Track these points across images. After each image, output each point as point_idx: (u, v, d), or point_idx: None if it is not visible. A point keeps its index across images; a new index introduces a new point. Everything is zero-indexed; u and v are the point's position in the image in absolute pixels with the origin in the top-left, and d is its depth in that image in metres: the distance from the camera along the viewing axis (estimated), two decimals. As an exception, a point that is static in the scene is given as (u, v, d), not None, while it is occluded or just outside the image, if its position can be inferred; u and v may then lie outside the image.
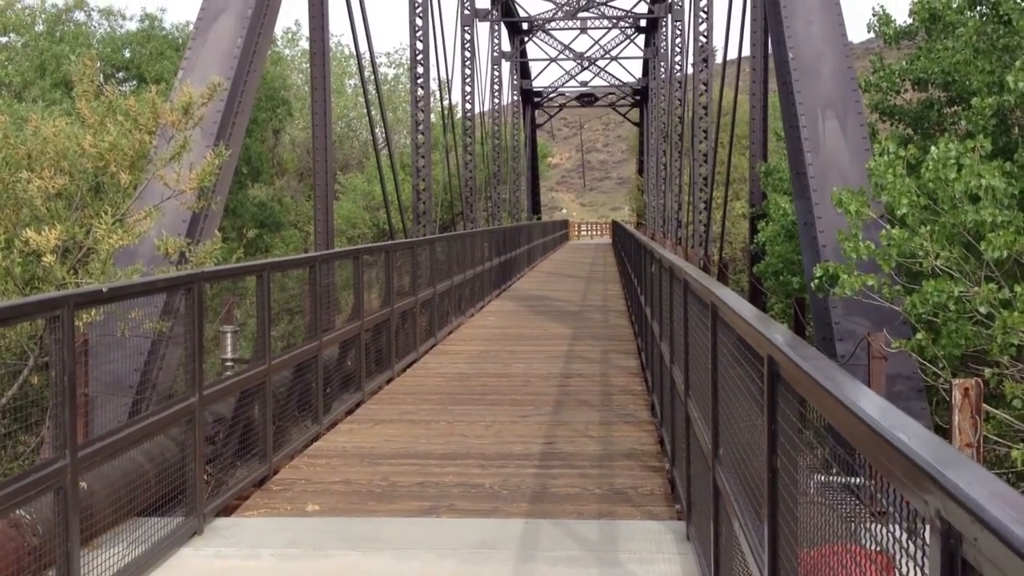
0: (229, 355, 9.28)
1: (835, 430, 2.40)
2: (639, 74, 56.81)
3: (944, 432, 8.79)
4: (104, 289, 5.50)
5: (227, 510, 6.80)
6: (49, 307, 4.88)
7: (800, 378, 2.80)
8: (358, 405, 10.48)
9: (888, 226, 9.21)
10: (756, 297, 19.70)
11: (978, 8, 12.35)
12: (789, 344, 3.15)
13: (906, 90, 13.67)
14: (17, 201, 7.58)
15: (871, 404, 2.19)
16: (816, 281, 9.61)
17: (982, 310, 8.34)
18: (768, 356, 3.31)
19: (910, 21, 13.51)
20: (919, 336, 8.74)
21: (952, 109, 13.11)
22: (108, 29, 33.73)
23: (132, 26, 33.40)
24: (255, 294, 8.02)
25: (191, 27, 24.53)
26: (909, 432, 1.89)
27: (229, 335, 9.42)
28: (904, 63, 13.29)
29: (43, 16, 32.70)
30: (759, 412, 3.55)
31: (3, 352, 7.73)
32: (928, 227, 8.94)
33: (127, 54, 31.83)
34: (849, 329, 10.06)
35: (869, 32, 14.64)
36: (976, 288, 8.52)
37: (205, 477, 6.59)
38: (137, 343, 7.99)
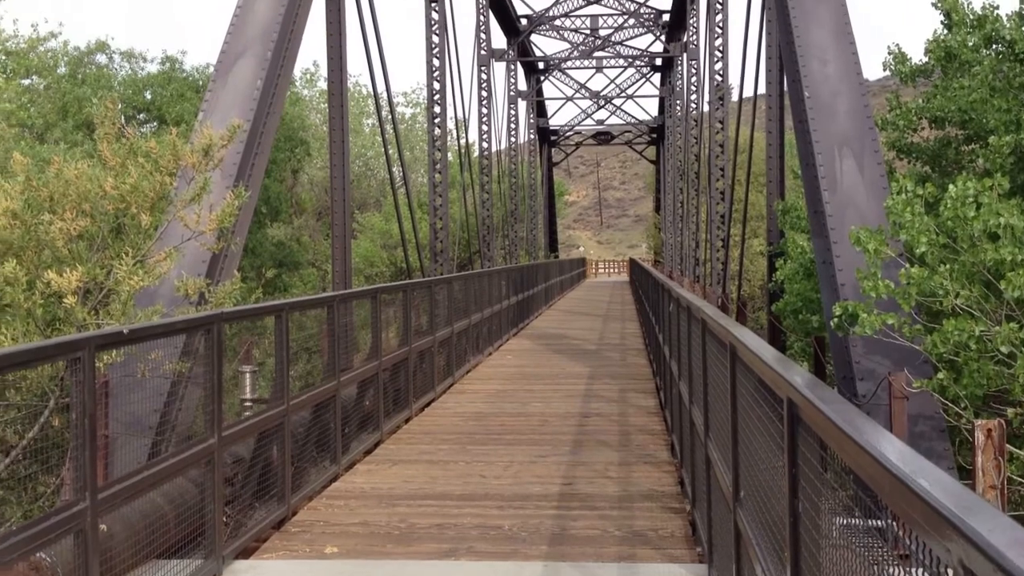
0: (248, 395, 9.30)
1: (857, 473, 2.39)
2: (655, 112, 57.06)
3: (967, 473, 8.71)
4: (125, 331, 5.53)
5: (246, 552, 6.78)
6: (70, 349, 4.91)
7: (820, 422, 2.79)
8: (376, 445, 10.46)
9: (907, 264, 9.19)
10: (775, 336, 19.61)
11: (994, 47, 12.37)
12: (809, 387, 3.14)
13: (923, 128, 13.67)
14: (39, 243, 7.65)
15: (892, 449, 2.18)
16: (835, 320, 9.58)
17: (1004, 350, 8.29)
18: (788, 398, 3.30)
19: (925, 59, 13.54)
20: (940, 376, 8.68)
21: (970, 147, 13.10)
22: (129, 71, 34.17)
23: (153, 68, 33.81)
24: (274, 334, 8.05)
25: (211, 69, 24.81)
26: (931, 478, 1.88)
27: (248, 375, 9.46)
28: (920, 101, 13.30)
29: (65, 59, 33.15)
30: (780, 454, 3.53)
31: (24, 393, 7.77)
32: (947, 266, 8.91)
33: (148, 96, 32.21)
34: (869, 368, 10.01)
35: (885, 70, 14.68)
36: (997, 327, 8.47)
37: (224, 519, 6.58)
38: (157, 384, 8.03)
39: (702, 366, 6.82)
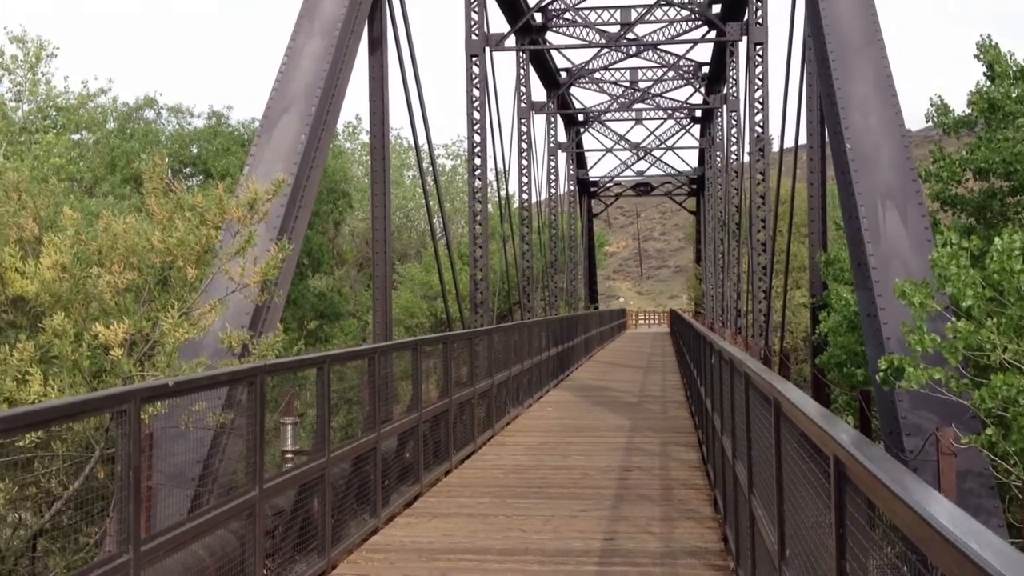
0: (289, 447, 9.32)
1: (905, 533, 2.36)
2: (695, 163, 57.12)
3: (1018, 531, 8.52)
4: (170, 383, 5.59)
5: (285, 605, 6.76)
6: (117, 402, 4.96)
7: (868, 480, 2.75)
8: (416, 498, 10.43)
9: (953, 318, 9.07)
10: (819, 389, 19.38)
11: (1038, 98, 12.30)
12: (855, 444, 3.10)
13: (967, 180, 13.57)
14: (87, 296, 7.77)
15: (941, 510, 2.15)
16: (881, 374, 9.46)
17: (1054, 404, 8.14)
18: (834, 456, 3.26)
19: (968, 111, 13.47)
20: (989, 431, 8.53)
21: (1015, 199, 12.97)
22: (176, 126, 34.87)
23: (199, 123, 34.50)
24: (315, 385, 8.09)
25: (256, 123, 25.20)
26: (981, 540, 1.85)
27: (289, 427, 9.48)
28: (964, 153, 13.22)
29: (114, 114, 33.91)
30: (826, 512, 3.48)
31: (69, 444, 7.85)
32: (995, 319, 8.78)
33: (194, 150, 32.84)
34: (916, 423, 9.86)
35: (927, 121, 14.61)
36: (1046, 381, 8.33)
37: (264, 572, 6.57)
38: (199, 435, 8.08)
39: (745, 421, 6.76)
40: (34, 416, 4.51)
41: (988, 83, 13.18)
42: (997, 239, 8.91)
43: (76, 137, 32.23)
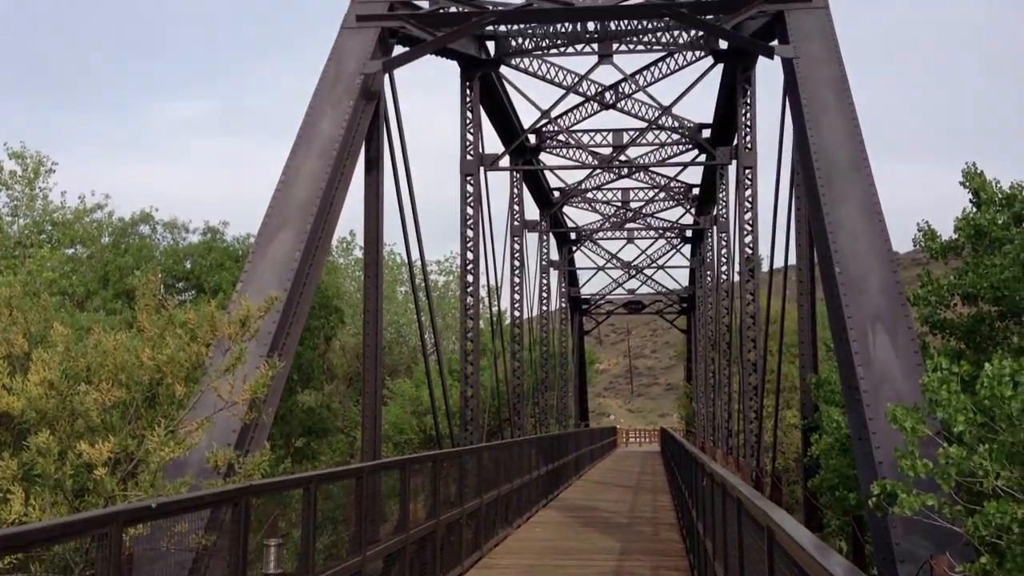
0: (272, 570, 9.11)
1: None
2: (685, 282, 57.50)
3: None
4: (153, 505, 5.51)
5: None
6: (98, 524, 4.89)
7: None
8: (401, 623, 10.17)
9: (945, 444, 9.02)
10: (812, 513, 19.15)
11: None
12: (850, 580, 3.06)
13: (955, 304, 13.67)
14: (73, 412, 7.71)
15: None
16: (874, 499, 9.35)
17: (1049, 533, 8.03)
18: (829, 592, 3.21)
19: (955, 236, 13.64)
20: (983, 560, 8.39)
21: (1004, 323, 13.04)
22: (171, 241, 35.10)
23: (194, 239, 34.74)
24: (300, 504, 7.97)
25: (251, 240, 25.36)
26: None
27: (273, 548, 9.28)
28: (952, 278, 13.34)
29: (110, 229, 34.17)
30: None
31: (47, 564, 7.67)
32: (987, 445, 8.73)
33: (188, 265, 33.00)
34: (910, 551, 9.72)
35: (915, 246, 14.79)
36: (1041, 510, 8.23)
37: None
38: (181, 557, 7.90)
39: (738, 547, 6.66)
40: (14, 539, 4.43)
41: (974, 209, 13.38)
42: (987, 365, 8.91)
43: (70, 251, 32.41)
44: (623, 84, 28.04)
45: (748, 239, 24.60)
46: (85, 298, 30.19)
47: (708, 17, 19.65)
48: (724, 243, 32.86)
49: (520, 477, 19.60)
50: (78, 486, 7.76)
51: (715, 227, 35.44)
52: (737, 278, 28.08)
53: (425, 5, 19.85)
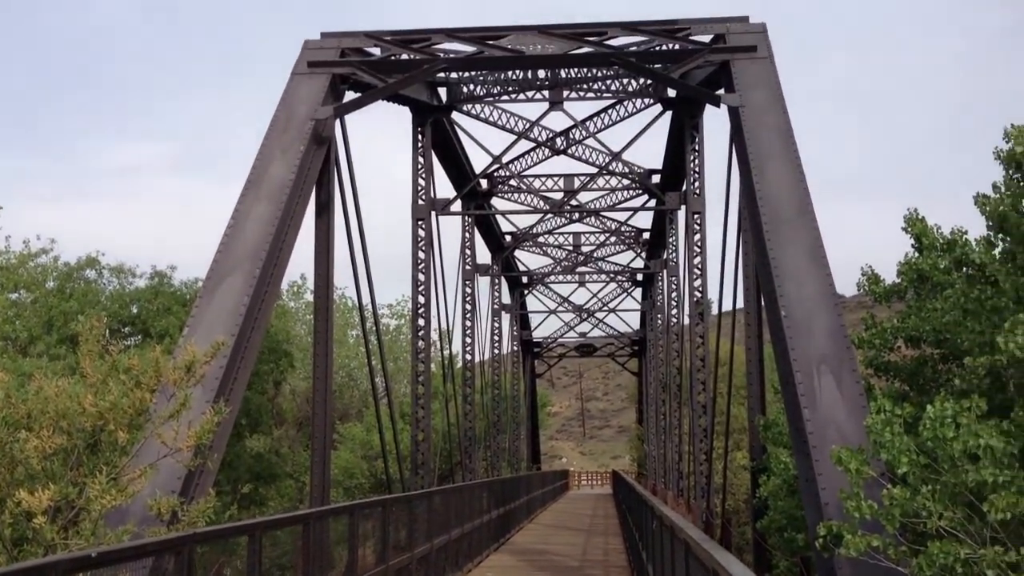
0: (217, 619, 8.97)
1: None
2: (636, 325, 57.79)
3: None
4: (93, 554, 5.41)
5: None
6: (37, 574, 4.79)
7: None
8: (349, 672, 10.02)
9: (890, 485, 9.13)
10: (761, 555, 19.21)
11: (964, 269, 12.73)
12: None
13: (899, 346, 13.88)
14: (12, 460, 7.56)
15: None
16: (820, 540, 9.43)
17: (990, 574, 8.14)
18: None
19: (898, 280, 13.87)
20: (929, 600, 8.47)
21: (946, 366, 13.26)
22: (117, 286, 34.62)
23: (141, 283, 34.28)
24: (246, 551, 7.87)
25: (199, 284, 25.14)
26: None
27: (218, 597, 9.14)
28: (896, 321, 13.56)
29: (55, 273, 33.63)
30: None
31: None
32: (930, 486, 8.85)
33: (134, 310, 32.54)
34: (857, 592, 9.78)
35: (859, 290, 15.02)
36: (983, 550, 8.35)
37: None
38: (123, 607, 7.75)
39: (685, 591, 6.68)
40: (-54, 592, 4.33)
41: (916, 254, 13.63)
42: (929, 407, 9.06)
43: (14, 296, 31.83)
44: (574, 130, 28.34)
45: (697, 283, 24.83)
46: (28, 343, 29.66)
47: (656, 66, 19.97)
48: (674, 287, 33.14)
49: (471, 521, 19.48)
50: (17, 535, 7.60)
51: (665, 271, 35.76)
52: (687, 321, 28.30)
53: (377, 52, 19.95)
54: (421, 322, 24.44)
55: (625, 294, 52.43)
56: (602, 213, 36.85)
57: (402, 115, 25.14)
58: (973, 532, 8.72)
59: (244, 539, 7.95)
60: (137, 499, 8.31)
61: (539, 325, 58.10)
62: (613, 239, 42.24)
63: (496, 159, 27.72)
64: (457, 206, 29.13)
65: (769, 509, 17.62)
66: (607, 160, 29.27)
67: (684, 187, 26.70)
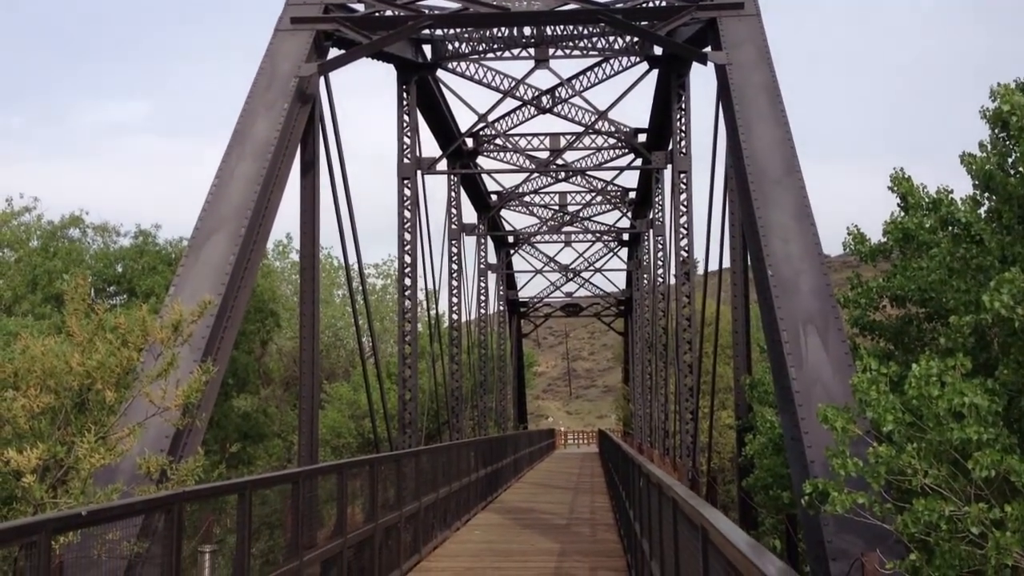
0: (206, 576, 9.00)
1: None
2: (623, 285, 57.90)
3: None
4: (83, 512, 5.41)
5: None
6: (26, 533, 4.79)
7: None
8: (338, 629, 10.10)
9: (875, 443, 9.20)
10: (747, 512, 19.39)
11: (950, 228, 12.74)
12: (781, 578, 3.11)
13: (884, 306, 13.92)
14: (0, 419, 7.54)
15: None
16: (806, 498, 9.51)
17: (974, 530, 8.23)
18: (760, 591, 3.26)
19: (884, 239, 13.88)
20: (913, 557, 8.58)
21: (931, 325, 13.31)
22: (102, 245, 34.43)
23: (126, 242, 34.10)
24: (235, 509, 7.89)
25: (184, 243, 25.01)
26: None
27: (207, 555, 9.16)
28: (881, 280, 13.58)
29: (38, 232, 33.42)
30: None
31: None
32: (915, 444, 8.93)
33: (119, 269, 32.39)
34: (842, 548, 9.89)
35: (844, 249, 15.04)
36: (967, 507, 8.44)
37: None
38: (113, 564, 7.77)
39: (673, 546, 6.73)
40: (-63, 550, 4.32)
41: (902, 214, 13.63)
42: (915, 365, 9.11)
43: (-2, 255, 31.68)
44: (560, 89, 28.18)
45: (684, 242, 24.86)
46: (13, 302, 29.51)
47: (643, 23, 19.82)
48: (660, 246, 33.16)
49: (459, 480, 19.58)
50: (6, 494, 7.60)
51: (651, 230, 35.75)
52: (673, 281, 28.35)
53: (361, 8, 19.74)
54: (407, 281, 24.41)
55: (611, 254, 52.46)
56: (588, 172, 36.77)
57: (387, 73, 24.96)
58: (957, 489, 8.81)
59: (234, 497, 7.97)
60: (126, 458, 8.31)
61: (525, 285, 58.18)
62: (599, 199, 42.18)
63: (482, 117, 27.57)
64: (443, 165, 29.00)
65: (755, 467, 17.76)
66: (593, 119, 29.15)
67: (670, 146, 26.63)
